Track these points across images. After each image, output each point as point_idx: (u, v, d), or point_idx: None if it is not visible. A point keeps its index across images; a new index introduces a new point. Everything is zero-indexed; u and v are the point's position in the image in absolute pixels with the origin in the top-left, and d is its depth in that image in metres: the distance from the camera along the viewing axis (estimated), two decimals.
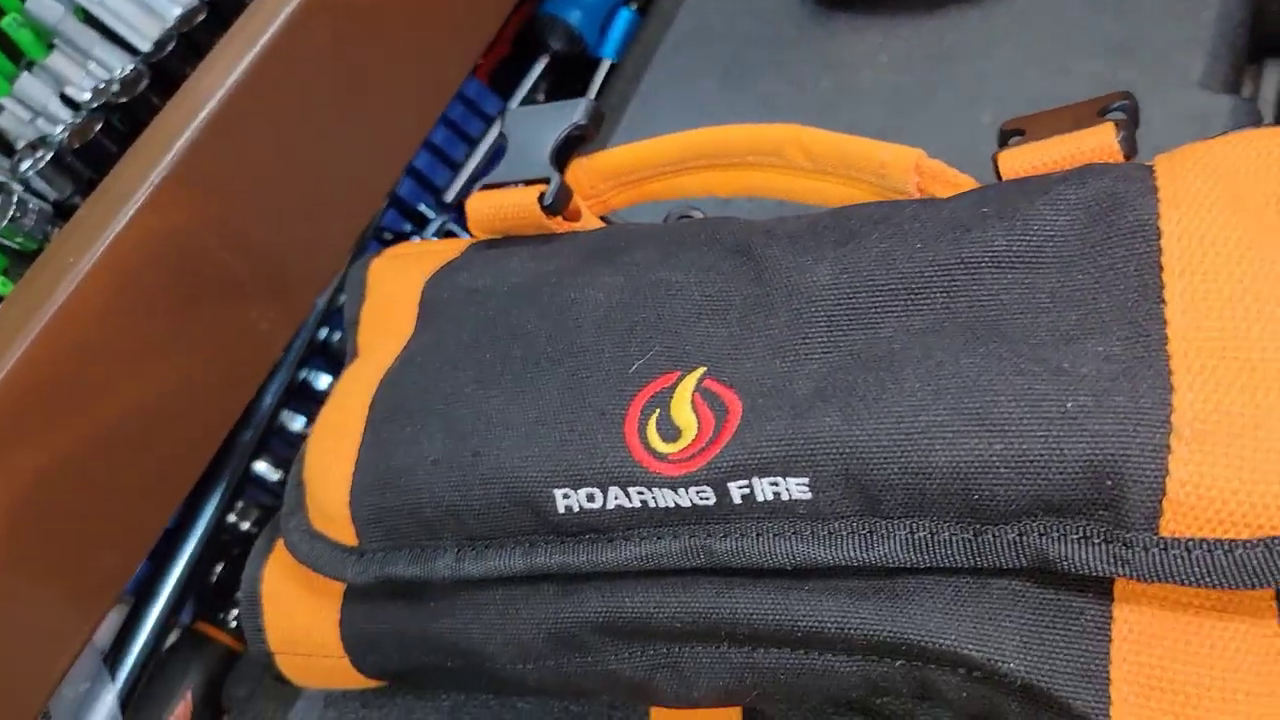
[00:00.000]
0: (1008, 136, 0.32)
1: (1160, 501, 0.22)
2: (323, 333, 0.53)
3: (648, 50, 0.55)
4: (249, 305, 0.42)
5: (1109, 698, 0.23)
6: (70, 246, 0.38)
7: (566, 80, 0.65)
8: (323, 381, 0.52)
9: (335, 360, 0.53)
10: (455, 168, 0.61)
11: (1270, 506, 0.22)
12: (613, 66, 0.62)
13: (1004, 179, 0.29)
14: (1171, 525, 0.22)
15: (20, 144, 0.49)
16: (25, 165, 0.45)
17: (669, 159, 0.37)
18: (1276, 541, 0.22)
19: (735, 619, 0.27)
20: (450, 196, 0.60)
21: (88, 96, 0.49)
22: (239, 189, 0.42)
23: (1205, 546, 0.22)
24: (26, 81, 0.50)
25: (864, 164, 0.34)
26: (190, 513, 0.47)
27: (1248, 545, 0.22)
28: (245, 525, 0.49)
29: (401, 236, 0.58)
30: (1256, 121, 0.41)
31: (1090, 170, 0.27)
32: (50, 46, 0.51)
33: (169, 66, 0.46)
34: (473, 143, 0.62)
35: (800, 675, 0.27)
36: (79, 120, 0.45)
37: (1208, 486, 0.22)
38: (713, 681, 0.28)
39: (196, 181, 0.41)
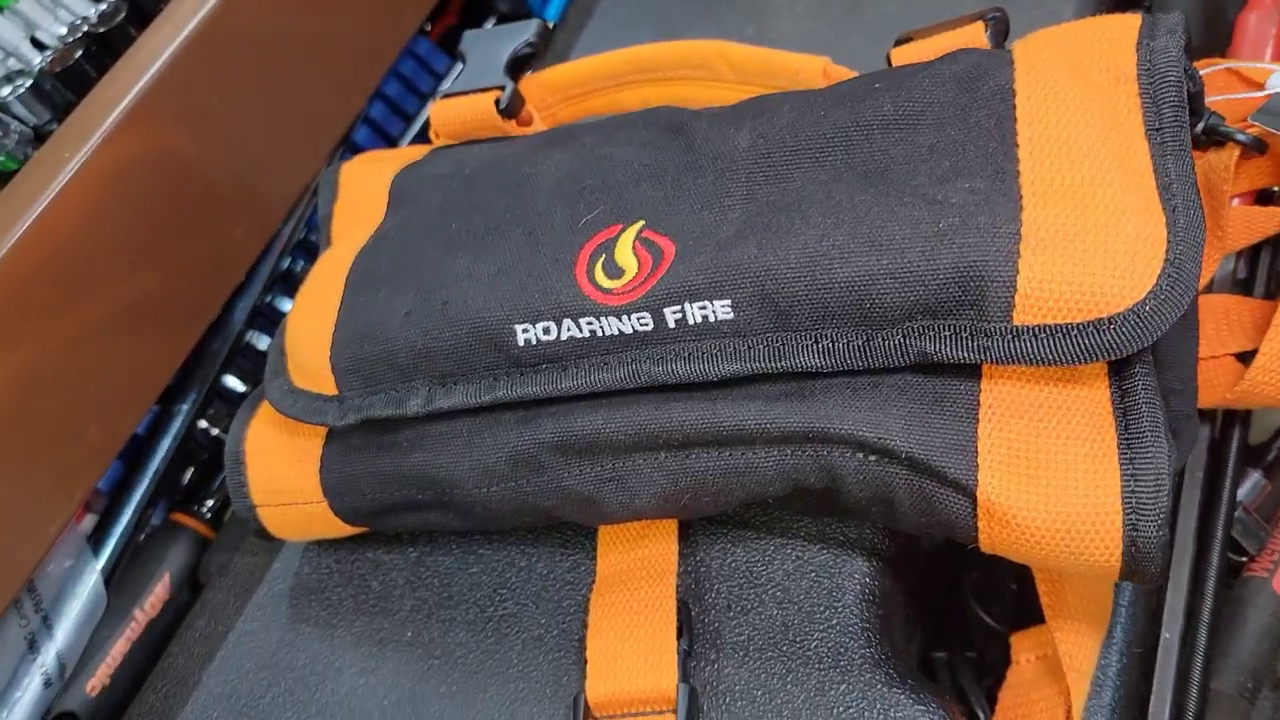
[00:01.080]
0: (902, 41, 0.37)
1: (1013, 296, 0.28)
2: (286, 262, 0.57)
3: (589, 6, 0.60)
4: (225, 213, 0.46)
5: (977, 465, 0.29)
6: (62, 145, 0.41)
7: None
8: (286, 306, 0.56)
9: (298, 288, 0.57)
10: (407, 120, 0.65)
11: (1095, 295, 0.27)
12: (555, 28, 0.67)
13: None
14: (1021, 316, 0.28)
15: None
16: (5, 91, 0.48)
17: (610, 73, 0.42)
18: (1103, 321, 0.27)
19: (670, 428, 0.32)
20: (404, 144, 0.64)
21: (63, 31, 0.52)
22: (217, 105, 0.46)
23: (1048, 331, 0.28)
24: None
25: (781, 71, 0.39)
26: (163, 418, 0.50)
27: (1081, 327, 0.27)
28: (215, 431, 0.52)
29: None
30: None
31: (962, 51, 0.33)
32: None
33: (144, 1, 0.50)
34: (423, 97, 0.66)
35: (726, 474, 0.32)
36: (58, 49, 0.49)
37: (1048, 281, 0.27)
38: (652, 488, 0.33)
39: (177, 96, 0.44)
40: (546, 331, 0.32)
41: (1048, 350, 0.27)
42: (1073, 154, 0.29)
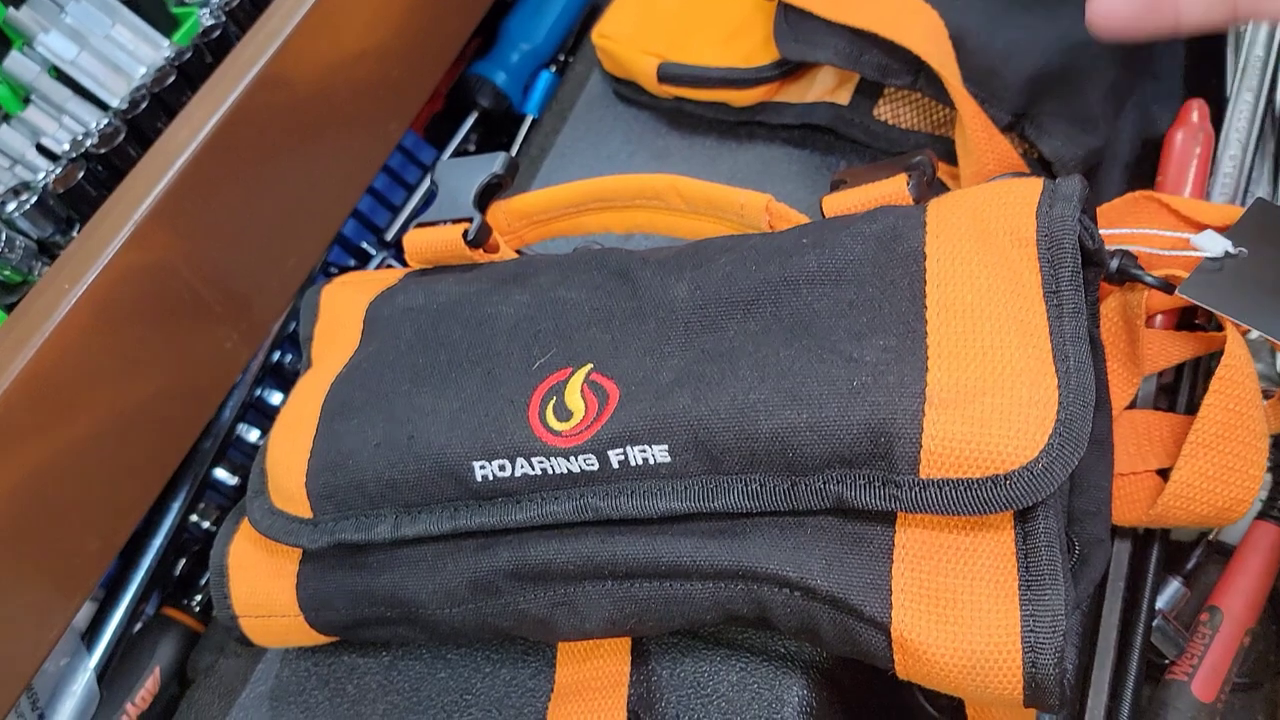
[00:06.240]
0: (836, 185, 0.40)
1: (918, 452, 0.30)
2: (275, 355, 0.59)
3: (564, 108, 0.63)
4: (216, 326, 0.49)
5: (890, 604, 0.31)
6: (64, 275, 0.44)
7: (494, 133, 0.73)
8: (275, 398, 0.59)
9: (286, 380, 0.60)
10: (394, 210, 0.68)
11: (992, 453, 0.30)
12: (534, 121, 0.71)
13: (825, 217, 0.38)
14: (927, 469, 0.30)
15: (1, 189, 0.55)
16: (10, 207, 0.51)
17: (571, 202, 0.45)
18: (999, 478, 0.30)
19: (614, 560, 0.34)
20: (390, 236, 0.67)
21: (66, 147, 0.55)
22: (209, 227, 0.49)
23: (950, 484, 0.30)
24: (5, 133, 0.56)
25: (727, 206, 0.42)
26: (156, 513, 0.53)
27: (980, 482, 0.30)
28: (206, 524, 0.55)
29: (346, 270, 0.65)
30: None
31: (881, 210, 0.35)
32: (26, 101, 0.57)
33: (142, 122, 0.53)
34: (409, 188, 0.69)
35: (667, 603, 0.34)
36: (62, 167, 0.52)
37: (949, 440, 0.30)
38: (600, 614, 0.35)
39: (172, 221, 0.47)
40: (502, 469, 0.35)
41: (950, 502, 0.30)
42: (975, 318, 0.32)
